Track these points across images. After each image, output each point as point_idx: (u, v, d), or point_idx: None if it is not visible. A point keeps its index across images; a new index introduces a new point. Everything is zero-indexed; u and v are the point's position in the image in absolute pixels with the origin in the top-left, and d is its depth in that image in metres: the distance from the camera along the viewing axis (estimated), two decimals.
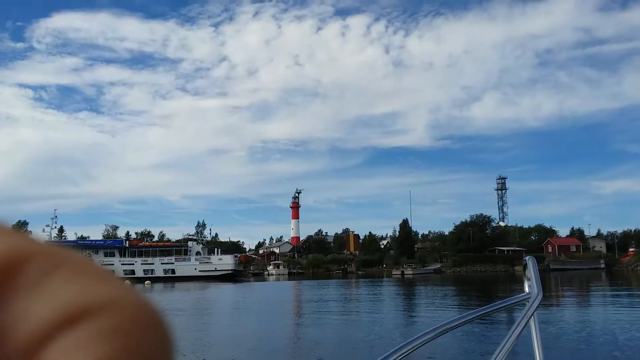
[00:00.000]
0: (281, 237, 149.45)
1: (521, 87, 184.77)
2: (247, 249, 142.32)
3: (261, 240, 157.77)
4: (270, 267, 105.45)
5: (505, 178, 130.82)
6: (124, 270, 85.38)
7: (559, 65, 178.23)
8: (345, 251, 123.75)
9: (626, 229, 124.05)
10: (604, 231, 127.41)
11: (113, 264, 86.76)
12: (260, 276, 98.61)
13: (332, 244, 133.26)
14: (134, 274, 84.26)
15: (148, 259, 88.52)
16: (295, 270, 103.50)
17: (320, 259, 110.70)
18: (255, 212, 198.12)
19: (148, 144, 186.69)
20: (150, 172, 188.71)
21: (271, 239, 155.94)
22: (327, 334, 19.82)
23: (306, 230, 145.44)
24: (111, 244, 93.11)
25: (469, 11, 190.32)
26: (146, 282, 71.41)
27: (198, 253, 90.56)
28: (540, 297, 1.92)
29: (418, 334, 1.57)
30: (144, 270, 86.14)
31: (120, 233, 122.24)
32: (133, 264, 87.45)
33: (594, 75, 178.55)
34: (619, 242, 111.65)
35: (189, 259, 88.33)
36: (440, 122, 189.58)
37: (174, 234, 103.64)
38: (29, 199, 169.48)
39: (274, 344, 18.24)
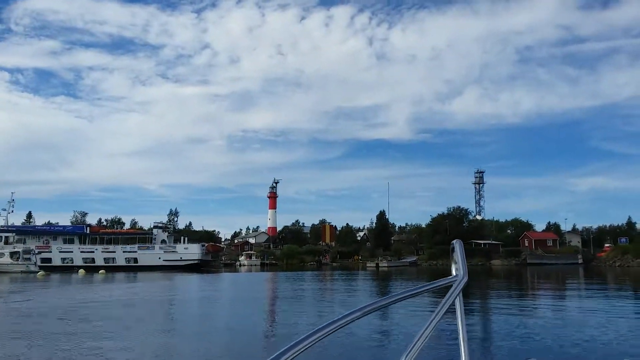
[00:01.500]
0: (257, 227, 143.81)
1: (501, 83, 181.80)
2: (223, 239, 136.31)
3: (237, 230, 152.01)
4: (242, 258, 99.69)
5: (483, 172, 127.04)
6: (83, 259, 78.92)
7: (539, 62, 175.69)
8: (321, 242, 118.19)
9: (601, 225, 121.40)
10: (579, 226, 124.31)
11: (72, 252, 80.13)
12: (231, 267, 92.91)
13: (308, 235, 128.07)
14: (94, 262, 77.64)
15: (109, 246, 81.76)
16: (268, 261, 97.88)
17: (295, 249, 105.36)
18: (233, 202, 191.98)
19: (126, 131, 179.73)
20: (127, 159, 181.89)
21: (247, 229, 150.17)
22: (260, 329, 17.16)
23: (284, 221, 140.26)
24: (71, 231, 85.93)
25: (453, 5, 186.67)
26: (100, 271, 65.10)
27: (163, 241, 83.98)
28: (465, 279, 1.95)
29: (346, 312, 1.58)
30: (105, 259, 79.57)
31: (91, 220, 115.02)
32: (93, 252, 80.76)
33: (573, 73, 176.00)
34: (594, 238, 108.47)
35: (153, 248, 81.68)
36: (422, 115, 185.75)
37: (148, 223, 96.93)
38: (3, 184, 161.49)
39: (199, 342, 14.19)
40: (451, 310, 1.89)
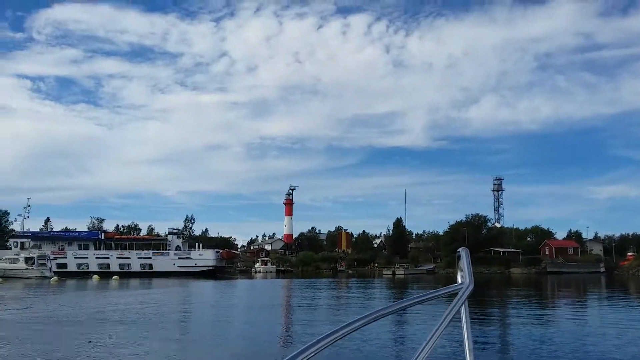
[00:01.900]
0: (274, 234, 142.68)
1: (519, 90, 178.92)
2: (239, 246, 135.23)
3: (254, 237, 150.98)
4: (257, 264, 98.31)
5: (502, 179, 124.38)
6: (98, 264, 78.25)
7: (558, 69, 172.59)
8: (337, 249, 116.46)
9: (624, 233, 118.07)
10: (601, 235, 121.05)
11: (87, 257, 79.53)
12: (247, 273, 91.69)
13: (324, 242, 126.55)
14: (109, 268, 76.88)
15: (124, 252, 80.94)
16: (283, 268, 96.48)
17: (311, 256, 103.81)
18: (250, 209, 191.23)
19: (145, 138, 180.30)
20: (146, 166, 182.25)
21: (264, 235, 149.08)
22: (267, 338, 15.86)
23: (300, 228, 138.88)
24: (86, 236, 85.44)
25: (470, 13, 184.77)
26: (114, 277, 64.25)
27: (178, 248, 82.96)
28: (471, 287, 1.96)
29: (353, 318, 1.59)
30: (120, 265, 78.80)
31: (108, 226, 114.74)
32: (108, 258, 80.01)
33: (592, 80, 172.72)
34: (617, 246, 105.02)
35: (168, 254, 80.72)
36: (438, 123, 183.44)
37: (164, 229, 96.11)
38: (23, 190, 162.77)
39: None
40: (457, 318, 1.88)
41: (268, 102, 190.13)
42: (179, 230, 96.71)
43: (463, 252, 2.12)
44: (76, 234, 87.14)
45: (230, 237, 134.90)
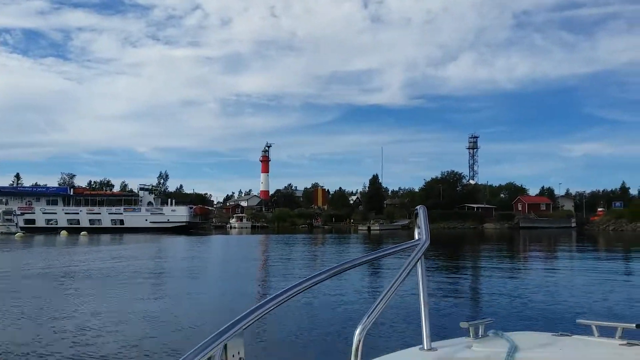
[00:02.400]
0: (250, 190, 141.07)
1: (497, 48, 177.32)
2: (215, 202, 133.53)
3: (230, 194, 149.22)
4: (232, 220, 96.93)
5: (477, 137, 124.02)
6: (68, 220, 75.79)
7: (536, 27, 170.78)
8: (313, 206, 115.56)
9: (594, 190, 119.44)
10: (573, 191, 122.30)
11: (56, 213, 76.99)
12: (222, 229, 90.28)
13: (301, 199, 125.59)
14: (79, 223, 74.60)
15: (94, 208, 78.50)
16: (259, 224, 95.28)
17: (286, 212, 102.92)
18: (226, 166, 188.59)
19: (117, 93, 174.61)
20: (119, 122, 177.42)
21: (240, 192, 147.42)
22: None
23: (277, 185, 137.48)
24: (54, 192, 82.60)
25: None
26: (82, 232, 62.14)
27: (150, 203, 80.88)
28: (427, 243, 2.03)
29: (312, 274, 1.63)
30: (90, 220, 76.61)
31: (81, 182, 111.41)
32: (78, 213, 77.56)
33: (570, 39, 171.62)
34: (587, 202, 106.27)
35: (139, 210, 78.60)
36: (416, 80, 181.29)
37: (138, 185, 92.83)
38: None
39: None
40: (414, 272, 1.94)
41: (243, 57, 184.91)
42: (153, 186, 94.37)
43: (420, 210, 2.16)
44: (44, 189, 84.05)
45: (206, 194, 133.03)
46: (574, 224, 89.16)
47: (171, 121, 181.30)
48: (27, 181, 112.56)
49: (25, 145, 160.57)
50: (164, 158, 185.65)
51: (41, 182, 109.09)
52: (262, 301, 1.43)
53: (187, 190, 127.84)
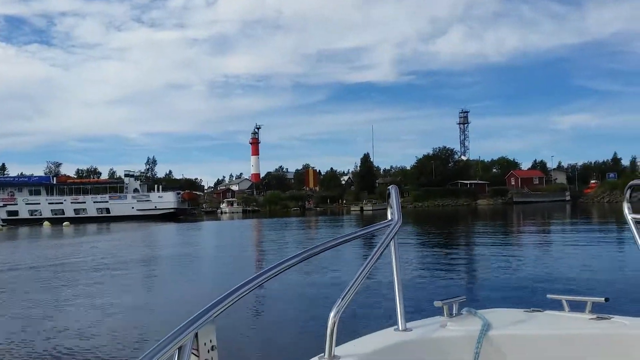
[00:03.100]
0: (241, 174, 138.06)
1: (486, 21, 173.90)
2: (206, 187, 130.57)
3: (221, 178, 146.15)
4: (223, 205, 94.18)
5: (467, 112, 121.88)
6: (52, 210, 72.75)
7: None
8: (305, 187, 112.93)
9: (586, 162, 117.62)
10: (565, 164, 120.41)
11: (39, 203, 73.84)
12: (213, 214, 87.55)
13: (292, 181, 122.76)
14: (64, 213, 71.53)
15: (79, 197, 75.41)
16: (250, 208, 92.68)
17: (278, 195, 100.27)
18: (216, 149, 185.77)
19: (103, 78, 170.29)
20: (106, 107, 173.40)
21: (231, 176, 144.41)
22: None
23: (268, 167, 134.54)
24: (37, 181, 78.93)
25: None
26: (64, 223, 59.22)
27: (136, 190, 77.73)
28: (399, 223, 2.02)
29: (286, 257, 1.62)
30: (75, 210, 73.61)
31: (68, 171, 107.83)
32: (62, 203, 74.45)
33: (559, 9, 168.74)
34: (579, 175, 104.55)
35: (125, 197, 75.56)
36: (406, 56, 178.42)
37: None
38: None
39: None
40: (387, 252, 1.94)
41: (229, 38, 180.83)
42: (141, 172, 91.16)
43: (392, 189, 2.13)
44: (26, 178, 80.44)
45: (196, 179, 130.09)
46: (568, 197, 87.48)
47: (159, 105, 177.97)
48: (13, 171, 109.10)
49: (12, 135, 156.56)
50: (153, 143, 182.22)
51: (27, 172, 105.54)
52: (233, 288, 1.40)
53: (177, 175, 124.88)
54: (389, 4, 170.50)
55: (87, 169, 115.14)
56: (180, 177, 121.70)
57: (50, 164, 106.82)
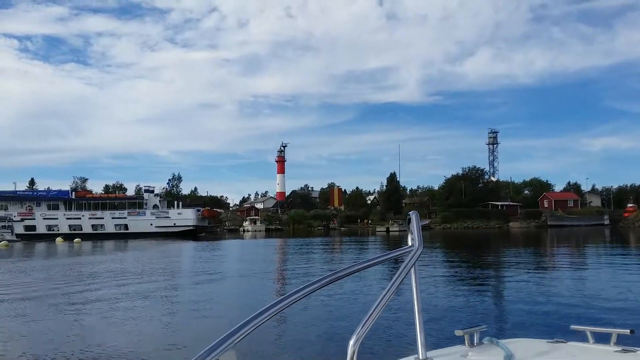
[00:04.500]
0: (266, 192, 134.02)
1: (514, 43, 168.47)
2: (231, 204, 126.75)
3: (246, 196, 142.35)
4: (246, 223, 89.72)
5: (497, 132, 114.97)
6: (69, 226, 69.25)
7: (553, 20, 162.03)
8: (329, 207, 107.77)
9: (622, 185, 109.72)
10: (598, 187, 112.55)
11: (57, 218, 70.46)
12: (235, 232, 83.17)
13: (317, 200, 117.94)
14: (82, 229, 68.03)
15: (97, 212, 71.73)
16: (273, 227, 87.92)
17: (301, 214, 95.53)
18: (244, 168, 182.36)
19: (136, 98, 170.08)
20: (139, 126, 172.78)
21: (256, 194, 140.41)
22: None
23: (294, 186, 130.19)
24: (55, 196, 75.98)
25: None
26: (75, 239, 55.30)
27: (155, 206, 73.59)
28: (420, 250, 1.94)
29: (306, 283, 1.61)
30: (93, 226, 70.16)
31: (96, 187, 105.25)
32: (80, 218, 70.98)
33: (588, 31, 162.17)
34: (614, 198, 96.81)
35: (144, 213, 71.72)
36: (432, 77, 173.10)
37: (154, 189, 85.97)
38: (14, 152, 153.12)
39: None
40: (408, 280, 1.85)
41: (260, 59, 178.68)
42: (164, 188, 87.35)
43: (413, 215, 2.02)
44: (44, 193, 77.57)
45: (222, 196, 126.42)
46: (607, 221, 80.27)
47: (190, 124, 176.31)
48: (41, 187, 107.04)
49: (46, 151, 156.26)
50: (183, 161, 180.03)
51: (55, 188, 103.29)
52: (254, 314, 1.36)
53: (202, 193, 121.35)
54: (413, 27, 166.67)
55: (113, 185, 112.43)
56: (205, 194, 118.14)
57: (77, 179, 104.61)
